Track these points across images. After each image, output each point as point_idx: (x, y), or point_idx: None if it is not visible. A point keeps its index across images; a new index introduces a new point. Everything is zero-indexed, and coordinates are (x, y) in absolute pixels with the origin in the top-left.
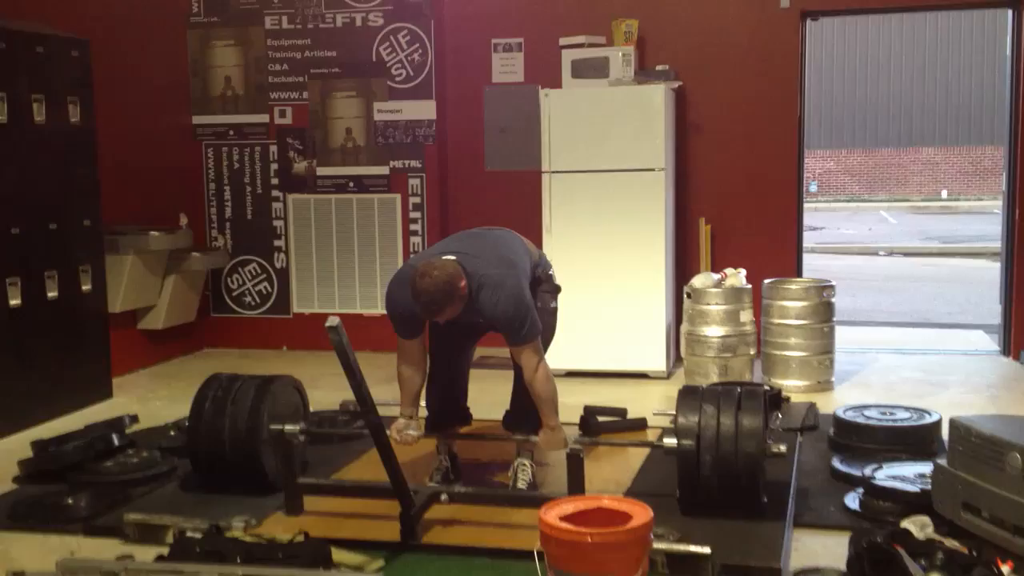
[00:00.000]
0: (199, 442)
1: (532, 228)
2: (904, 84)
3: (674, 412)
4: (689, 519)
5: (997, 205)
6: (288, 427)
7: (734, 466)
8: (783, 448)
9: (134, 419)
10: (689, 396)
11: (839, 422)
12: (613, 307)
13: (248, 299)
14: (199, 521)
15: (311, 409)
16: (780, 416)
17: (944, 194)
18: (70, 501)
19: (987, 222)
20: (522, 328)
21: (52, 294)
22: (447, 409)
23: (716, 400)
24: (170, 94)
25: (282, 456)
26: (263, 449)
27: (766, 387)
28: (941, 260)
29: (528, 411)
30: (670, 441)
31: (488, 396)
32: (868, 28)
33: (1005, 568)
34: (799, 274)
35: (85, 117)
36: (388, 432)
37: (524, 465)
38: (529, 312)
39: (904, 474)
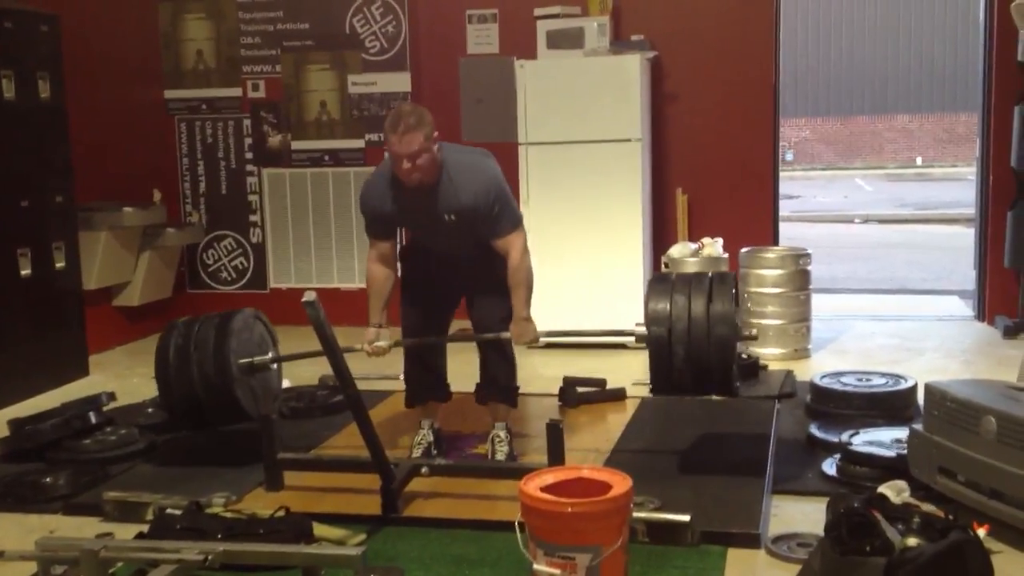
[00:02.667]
0: (171, 395)
1: None
2: (878, 52)
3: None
4: (669, 487)
5: (971, 172)
6: (258, 359)
7: (706, 351)
8: (755, 331)
9: (111, 396)
10: (659, 283)
11: (816, 389)
12: (591, 278)
13: (224, 274)
14: (179, 498)
15: (290, 384)
16: (749, 303)
17: (919, 161)
18: (48, 480)
19: (961, 189)
20: (503, 213)
21: (25, 272)
22: (426, 383)
23: (687, 286)
24: (141, 68)
25: (263, 432)
26: (236, 387)
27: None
28: (916, 227)
29: (496, 380)
30: (640, 328)
31: (469, 368)
32: None
33: (981, 531)
34: (775, 242)
35: (55, 93)
36: (360, 345)
37: (500, 437)
38: (509, 198)
39: (880, 439)
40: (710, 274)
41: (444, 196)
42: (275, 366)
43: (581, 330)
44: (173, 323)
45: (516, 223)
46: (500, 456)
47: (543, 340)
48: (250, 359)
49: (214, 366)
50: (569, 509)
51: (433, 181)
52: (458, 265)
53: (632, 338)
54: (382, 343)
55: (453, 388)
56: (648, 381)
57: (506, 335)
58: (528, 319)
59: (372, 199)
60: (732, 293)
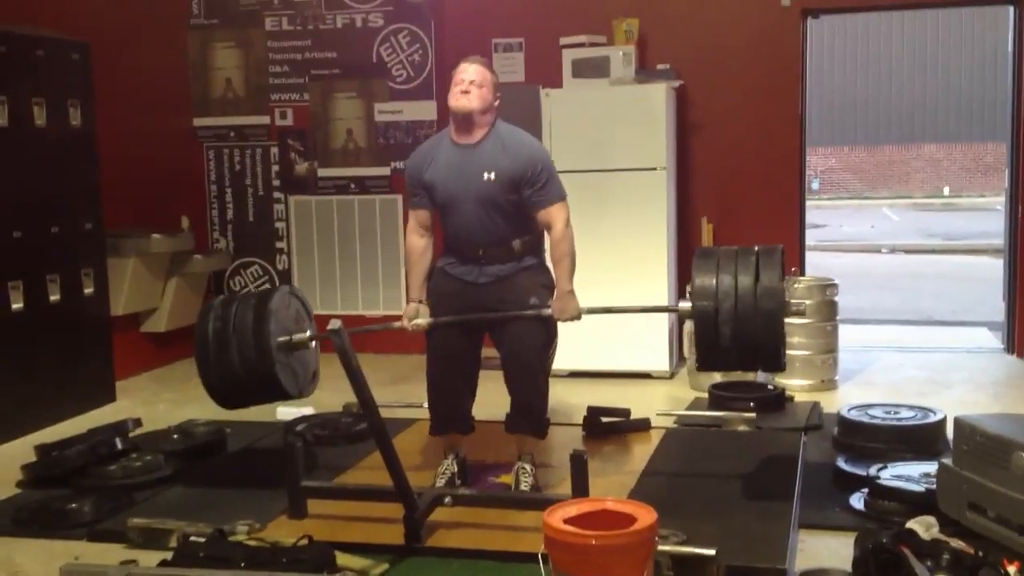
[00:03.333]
0: (212, 379)
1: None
2: (906, 81)
3: (678, 413)
4: (695, 521)
5: (999, 202)
6: (296, 336)
7: (753, 326)
8: (804, 306)
9: (137, 423)
10: (705, 257)
11: (843, 421)
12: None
13: None
14: (203, 525)
15: (314, 411)
16: (795, 269)
17: (946, 191)
18: (73, 506)
19: (989, 219)
20: (551, 183)
21: (54, 297)
22: (449, 416)
23: (733, 260)
24: (171, 96)
25: (287, 459)
26: (277, 368)
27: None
28: (944, 257)
29: (528, 411)
30: (685, 305)
31: (493, 397)
32: (869, 25)
33: (1011, 568)
34: (802, 272)
35: (86, 120)
36: (399, 323)
37: (525, 469)
38: (556, 173)
39: (909, 474)
40: (756, 248)
41: (488, 154)
42: (313, 344)
43: (622, 307)
44: (210, 304)
45: (562, 196)
46: (524, 487)
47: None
48: (288, 337)
49: (254, 349)
50: (593, 542)
51: (476, 122)
52: (484, 285)
53: (673, 314)
54: (421, 321)
55: (480, 415)
56: (696, 360)
57: (547, 311)
58: (571, 293)
59: (415, 158)
60: (779, 267)
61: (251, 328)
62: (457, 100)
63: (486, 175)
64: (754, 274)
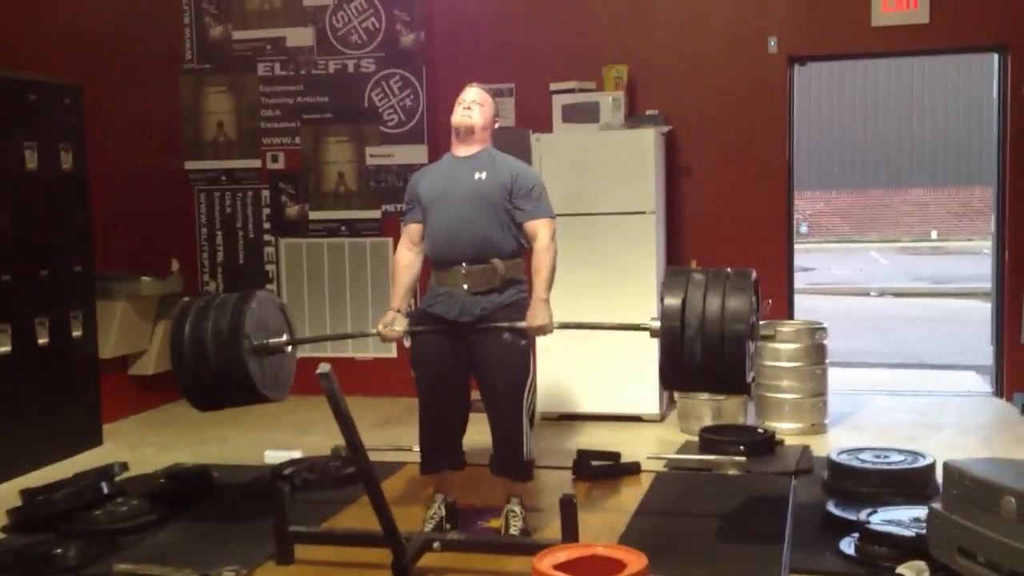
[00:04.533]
0: (187, 378)
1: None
2: (893, 126)
3: (668, 457)
4: (685, 564)
5: (987, 246)
6: (273, 341)
7: (719, 347)
8: (772, 332)
9: (124, 467)
10: (676, 276)
11: (833, 465)
12: (606, 349)
13: None
14: (189, 571)
15: (302, 455)
16: (770, 301)
17: (934, 234)
18: (59, 551)
19: (977, 263)
20: (542, 199)
21: (43, 341)
22: (439, 450)
23: (703, 281)
24: (163, 139)
25: (274, 504)
26: (251, 368)
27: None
28: (932, 301)
29: (509, 448)
30: (653, 323)
31: (483, 438)
32: (856, 71)
33: None
34: (791, 316)
35: (78, 164)
36: (376, 329)
37: (514, 512)
38: (546, 191)
39: (899, 518)
40: (728, 270)
41: (481, 161)
42: (289, 348)
43: (593, 323)
44: (187, 303)
45: (552, 215)
46: (514, 531)
47: (557, 412)
48: (265, 341)
49: (229, 348)
50: None
51: (476, 137)
52: (466, 325)
53: (646, 332)
54: (398, 328)
55: (469, 460)
56: (660, 378)
57: (521, 324)
58: (546, 302)
59: (417, 174)
60: (750, 290)
61: (227, 327)
62: (460, 116)
63: (477, 175)
64: (723, 296)
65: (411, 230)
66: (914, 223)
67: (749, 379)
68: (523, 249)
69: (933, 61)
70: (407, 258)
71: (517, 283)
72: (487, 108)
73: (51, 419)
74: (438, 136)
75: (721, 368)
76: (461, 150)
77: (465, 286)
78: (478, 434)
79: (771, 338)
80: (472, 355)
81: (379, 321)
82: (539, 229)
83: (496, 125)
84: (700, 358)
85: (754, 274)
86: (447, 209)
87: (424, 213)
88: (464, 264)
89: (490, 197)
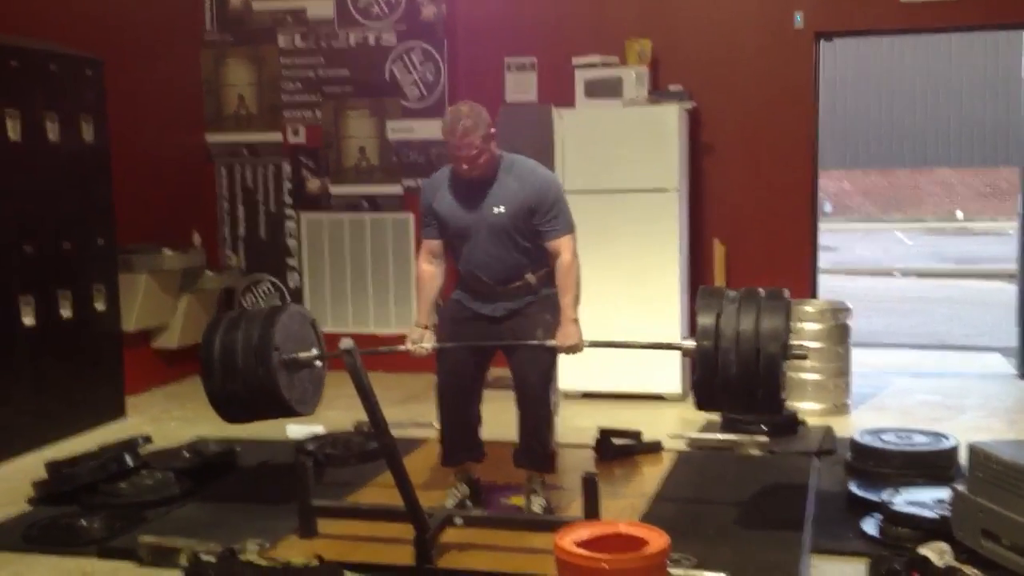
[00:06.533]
0: (216, 391)
1: None
2: (919, 104)
3: (690, 436)
4: (706, 545)
5: (1013, 226)
6: (303, 355)
7: (754, 367)
8: (804, 351)
9: (148, 440)
10: (709, 296)
11: (856, 446)
12: (627, 328)
13: None
14: (213, 544)
15: (324, 431)
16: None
17: (960, 215)
18: (84, 523)
19: (1003, 243)
20: (561, 214)
21: (66, 313)
22: (460, 443)
23: (737, 300)
24: (183, 112)
25: (297, 479)
26: (280, 383)
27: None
28: (957, 281)
29: (534, 449)
30: (688, 343)
31: (505, 416)
32: (883, 48)
33: None
34: (814, 295)
35: (99, 136)
36: (404, 346)
37: (536, 490)
38: (566, 202)
39: (922, 499)
40: (761, 290)
41: (498, 189)
42: (319, 363)
43: (625, 341)
44: (218, 318)
45: (571, 228)
46: (536, 509)
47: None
48: (294, 354)
49: (258, 363)
50: (605, 565)
51: (490, 176)
52: (500, 320)
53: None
54: (427, 344)
55: (490, 435)
56: (694, 399)
57: (552, 343)
58: (575, 322)
59: (426, 187)
60: (784, 310)
61: (256, 342)
62: (463, 174)
63: (496, 209)
64: (757, 316)
65: (431, 246)
66: (940, 203)
67: (783, 397)
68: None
69: (960, 38)
70: (428, 271)
71: (549, 284)
72: (479, 133)
73: (75, 392)
74: None
75: (756, 388)
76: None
77: (498, 299)
78: (497, 414)
79: (804, 358)
80: (505, 345)
81: (407, 339)
82: (561, 247)
83: (492, 131)
84: (735, 378)
85: (787, 293)
86: (474, 245)
87: (446, 235)
88: (498, 287)
89: (513, 227)
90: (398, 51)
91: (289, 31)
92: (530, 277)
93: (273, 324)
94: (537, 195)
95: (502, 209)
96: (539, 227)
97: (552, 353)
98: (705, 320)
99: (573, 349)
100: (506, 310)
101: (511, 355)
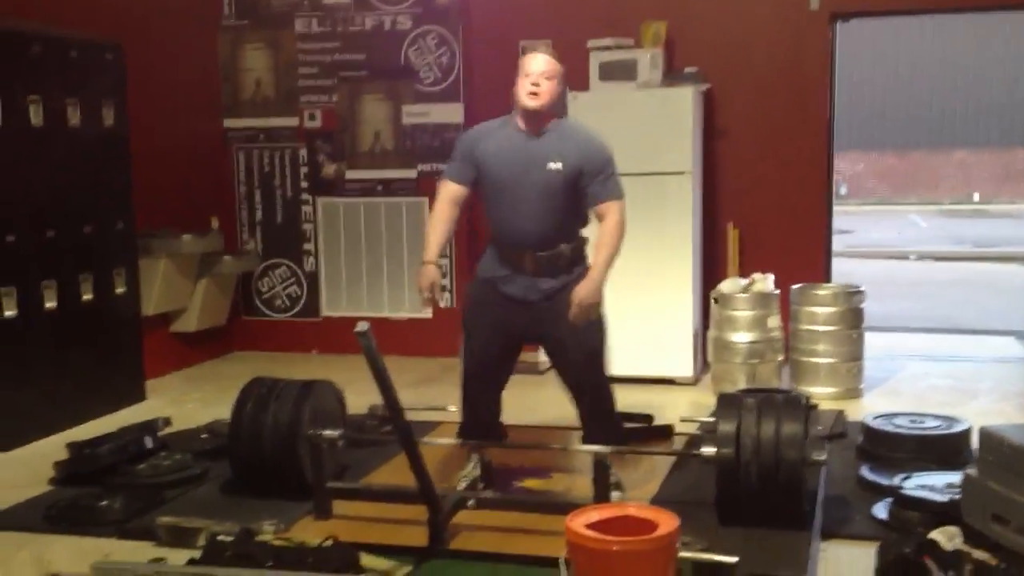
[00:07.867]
0: (240, 457)
1: None
2: (936, 85)
3: (701, 420)
4: (716, 528)
5: None
6: (327, 432)
7: (775, 475)
8: (823, 456)
9: (167, 422)
10: (728, 403)
11: (868, 430)
12: (640, 312)
13: (278, 302)
14: (230, 525)
15: None
16: (820, 427)
17: (976, 197)
18: (104, 504)
19: (1019, 226)
20: (613, 177)
21: (87, 297)
22: (480, 424)
23: (756, 407)
24: (201, 97)
25: (313, 460)
26: (302, 453)
27: (803, 399)
28: (972, 265)
29: (603, 419)
30: (708, 450)
31: (521, 400)
32: (899, 29)
33: None
34: (828, 279)
35: (119, 120)
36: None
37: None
38: (618, 171)
39: (933, 484)
40: (780, 397)
41: (555, 143)
42: (342, 442)
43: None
44: (259, 379)
45: (622, 195)
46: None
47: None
48: (319, 431)
49: (286, 438)
50: (615, 548)
51: (544, 117)
52: (535, 304)
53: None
54: (438, 294)
55: (507, 419)
56: (718, 514)
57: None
58: (599, 283)
59: (472, 131)
60: (803, 416)
61: (287, 417)
62: (526, 100)
63: (552, 165)
64: (776, 422)
65: (455, 191)
66: (956, 185)
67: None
68: (587, 224)
69: (976, 19)
70: (447, 212)
71: (582, 261)
72: (555, 82)
73: (95, 374)
74: (474, 95)
75: (777, 494)
76: (529, 125)
77: (531, 270)
78: (517, 398)
79: (823, 463)
80: (541, 331)
81: (421, 280)
82: (608, 212)
83: (562, 88)
84: (756, 485)
85: (804, 400)
86: (520, 200)
87: (486, 187)
88: (532, 251)
89: (564, 188)
90: (414, 35)
91: (306, 16)
92: (564, 248)
93: (305, 400)
94: (593, 156)
95: (559, 165)
96: (588, 188)
97: (599, 326)
98: (725, 427)
99: (586, 310)
100: (540, 292)
101: (552, 339)
